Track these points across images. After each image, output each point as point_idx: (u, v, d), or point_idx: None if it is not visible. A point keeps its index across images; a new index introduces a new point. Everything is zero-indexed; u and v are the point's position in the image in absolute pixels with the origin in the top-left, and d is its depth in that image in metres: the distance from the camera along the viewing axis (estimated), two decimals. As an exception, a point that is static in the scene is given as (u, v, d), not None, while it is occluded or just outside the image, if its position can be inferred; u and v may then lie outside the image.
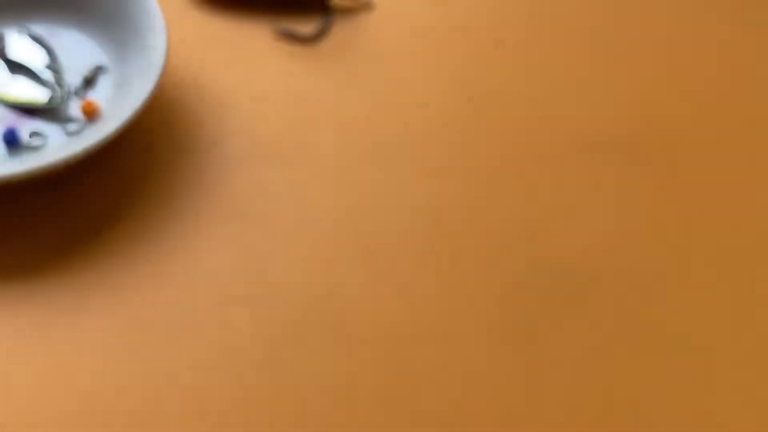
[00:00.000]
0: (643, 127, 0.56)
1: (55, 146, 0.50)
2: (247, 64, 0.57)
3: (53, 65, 0.53)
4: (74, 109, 0.52)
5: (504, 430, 0.43)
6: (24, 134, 0.50)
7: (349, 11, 0.61)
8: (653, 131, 0.56)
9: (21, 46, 0.54)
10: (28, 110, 0.52)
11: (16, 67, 0.53)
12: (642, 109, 0.57)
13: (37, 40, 0.54)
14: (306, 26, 0.60)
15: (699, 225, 0.51)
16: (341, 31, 0.60)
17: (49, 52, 0.54)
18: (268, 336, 0.45)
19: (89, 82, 0.53)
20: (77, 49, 0.54)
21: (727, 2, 0.64)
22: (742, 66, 0.60)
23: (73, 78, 0.53)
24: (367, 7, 0.61)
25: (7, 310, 0.45)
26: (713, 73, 0.59)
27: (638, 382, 0.45)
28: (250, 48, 0.58)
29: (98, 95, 0.53)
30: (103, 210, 0.49)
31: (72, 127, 0.51)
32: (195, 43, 0.58)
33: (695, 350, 0.46)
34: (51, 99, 0.51)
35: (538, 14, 0.62)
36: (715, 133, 0.56)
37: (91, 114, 0.51)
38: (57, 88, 0.52)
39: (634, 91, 0.58)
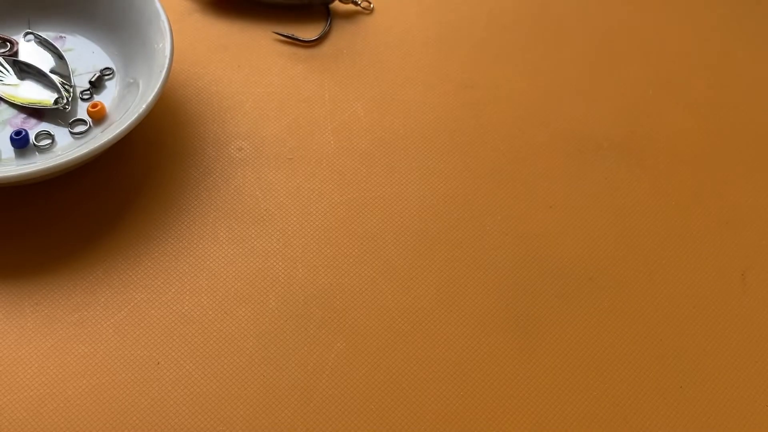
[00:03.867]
0: (640, 130, 0.56)
1: (63, 147, 0.51)
2: (250, 67, 0.58)
3: (60, 68, 0.54)
4: (81, 111, 0.53)
5: (501, 423, 0.43)
6: (32, 135, 0.51)
7: (349, 15, 0.62)
8: (649, 134, 0.56)
9: (29, 50, 0.55)
10: (37, 112, 0.53)
11: (24, 70, 0.54)
12: (638, 112, 0.57)
13: (45, 44, 0.55)
14: (308, 29, 0.60)
15: (693, 226, 0.52)
16: (342, 34, 0.60)
17: (57, 55, 0.55)
18: (270, 332, 0.46)
19: (96, 84, 0.54)
20: (84, 53, 0.55)
21: (722, 7, 0.64)
22: (737, 69, 0.60)
23: (80, 81, 0.54)
24: (367, 10, 0.62)
25: (15, 306, 0.46)
26: (709, 76, 0.60)
27: (632, 378, 0.45)
28: (253, 51, 0.59)
29: (104, 97, 0.53)
30: (108, 209, 0.50)
31: (79, 128, 0.52)
32: (199, 46, 0.59)
33: (690, 350, 0.46)
34: (58, 101, 0.52)
35: (536, 16, 0.63)
36: (710, 135, 0.56)
37: (97, 116, 0.52)
38: (64, 90, 0.53)
39: (630, 94, 0.58)
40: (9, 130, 0.51)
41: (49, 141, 0.51)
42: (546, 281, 0.48)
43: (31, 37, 0.56)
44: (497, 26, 0.62)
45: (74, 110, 0.53)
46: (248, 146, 0.54)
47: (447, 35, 0.61)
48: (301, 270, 0.48)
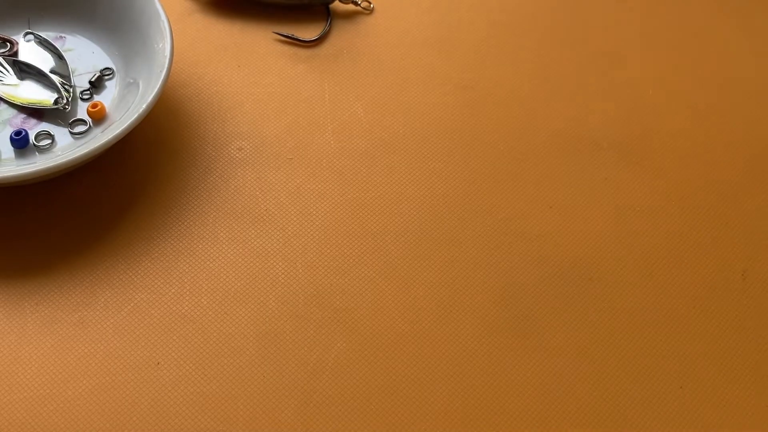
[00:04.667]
0: (639, 130, 0.56)
1: (63, 147, 0.51)
2: (250, 67, 0.58)
3: (60, 68, 0.54)
4: (81, 111, 0.53)
5: (502, 423, 0.43)
6: (32, 136, 0.51)
7: (349, 15, 0.62)
8: (649, 134, 0.56)
9: (29, 50, 0.55)
10: (36, 112, 0.53)
11: (24, 70, 0.54)
12: (638, 112, 0.57)
13: (45, 44, 0.55)
14: (308, 29, 0.61)
15: (693, 226, 0.52)
16: (342, 34, 0.61)
17: (57, 55, 0.55)
18: (270, 332, 0.46)
19: (96, 84, 0.54)
20: (84, 53, 0.55)
21: (723, 6, 0.64)
22: (737, 68, 0.60)
23: (80, 81, 0.54)
24: (367, 10, 0.62)
25: (15, 306, 0.46)
26: (708, 75, 0.60)
27: (632, 378, 0.45)
28: (253, 51, 0.59)
29: (104, 97, 0.53)
30: (108, 209, 0.50)
31: (79, 128, 0.52)
32: (199, 46, 0.59)
33: (690, 350, 0.47)
34: (58, 101, 0.52)
35: (536, 16, 0.63)
36: (710, 135, 0.56)
37: (97, 116, 0.52)
38: (64, 90, 0.53)
39: (630, 94, 0.58)
40: (9, 130, 0.51)
41: (49, 141, 0.51)
42: (546, 281, 0.48)
43: (31, 37, 0.56)
44: (497, 26, 0.62)
45: (74, 110, 0.53)
46: (248, 146, 0.54)
47: (447, 35, 0.61)
48: (301, 270, 0.48)
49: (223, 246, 0.49)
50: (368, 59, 0.59)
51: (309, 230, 0.50)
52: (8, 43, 0.55)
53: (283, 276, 0.48)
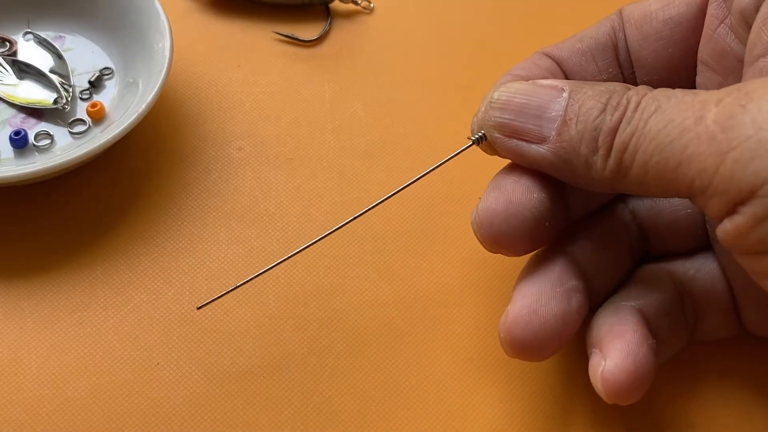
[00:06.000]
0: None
1: (62, 147, 0.51)
2: (249, 66, 0.58)
3: (60, 68, 0.54)
4: (81, 111, 0.53)
5: (504, 423, 0.43)
6: (31, 135, 0.51)
7: (349, 14, 0.62)
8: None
9: (29, 50, 0.55)
10: (36, 112, 0.53)
11: (24, 70, 0.54)
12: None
13: (45, 43, 0.55)
14: (308, 29, 0.61)
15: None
16: (342, 34, 0.61)
17: (56, 55, 0.55)
18: (270, 332, 0.46)
19: (95, 84, 0.54)
20: (83, 53, 0.55)
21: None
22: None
23: (80, 81, 0.54)
24: (367, 10, 0.62)
25: (14, 307, 0.46)
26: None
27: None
28: (253, 50, 0.59)
29: (104, 97, 0.53)
30: (107, 209, 0.50)
31: (78, 128, 0.52)
32: (199, 46, 0.59)
33: (689, 349, 0.47)
34: (57, 101, 0.52)
35: (537, 16, 0.63)
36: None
37: (97, 116, 0.52)
38: (63, 90, 0.53)
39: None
40: (8, 130, 0.51)
41: (48, 141, 0.51)
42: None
43: (30, 36, 0.56)
44: (498, 25, 0.62)
45: (74, 110, 0.53)
46: (248, 146, 0.54)
47: (447, 35, 0.61)
48: (301, 270, 0.48)
49: (223, 246, 0.49)
50: (368, 59, 0.59)
51: (309, 230, 0.50)
52: (7, 43, 0.55)
53: (283, 276, 0.48)
